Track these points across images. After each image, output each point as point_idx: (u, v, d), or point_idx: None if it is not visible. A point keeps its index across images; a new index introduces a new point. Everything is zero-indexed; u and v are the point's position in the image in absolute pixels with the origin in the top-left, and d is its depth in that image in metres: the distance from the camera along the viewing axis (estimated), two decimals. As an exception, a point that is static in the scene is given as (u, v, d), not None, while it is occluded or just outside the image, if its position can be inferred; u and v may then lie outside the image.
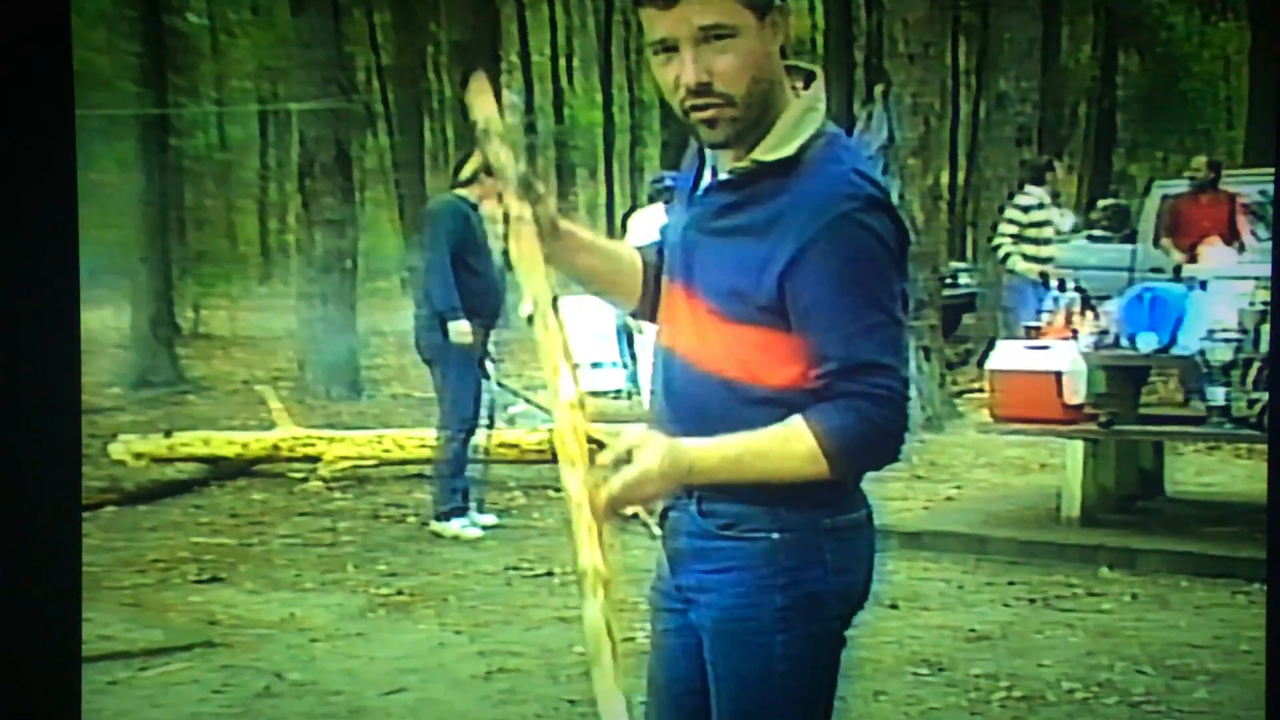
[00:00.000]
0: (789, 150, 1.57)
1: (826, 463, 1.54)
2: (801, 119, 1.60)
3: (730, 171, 1.60)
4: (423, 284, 5.72)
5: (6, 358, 1.51)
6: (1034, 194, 8.81)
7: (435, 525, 5.68)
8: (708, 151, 1.66)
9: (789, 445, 1.54)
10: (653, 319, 1.75)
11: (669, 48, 1.54)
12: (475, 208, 5.59)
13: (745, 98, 1.55)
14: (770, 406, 1.57)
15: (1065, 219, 9.25)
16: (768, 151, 1.58)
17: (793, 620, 1.59)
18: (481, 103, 1.69)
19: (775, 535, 1.59)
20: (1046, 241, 8.68)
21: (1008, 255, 8.82)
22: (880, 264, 1.56)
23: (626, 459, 1.52)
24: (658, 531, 1.72)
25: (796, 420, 1.55)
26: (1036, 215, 8.67)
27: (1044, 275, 8.11)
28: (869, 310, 1.55)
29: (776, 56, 1.59)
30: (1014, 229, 8.68)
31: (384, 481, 6.82)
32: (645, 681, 1.77)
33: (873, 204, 1.57)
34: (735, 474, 1.55)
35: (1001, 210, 9.36)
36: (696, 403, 1.62)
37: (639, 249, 1.80)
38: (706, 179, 1.66)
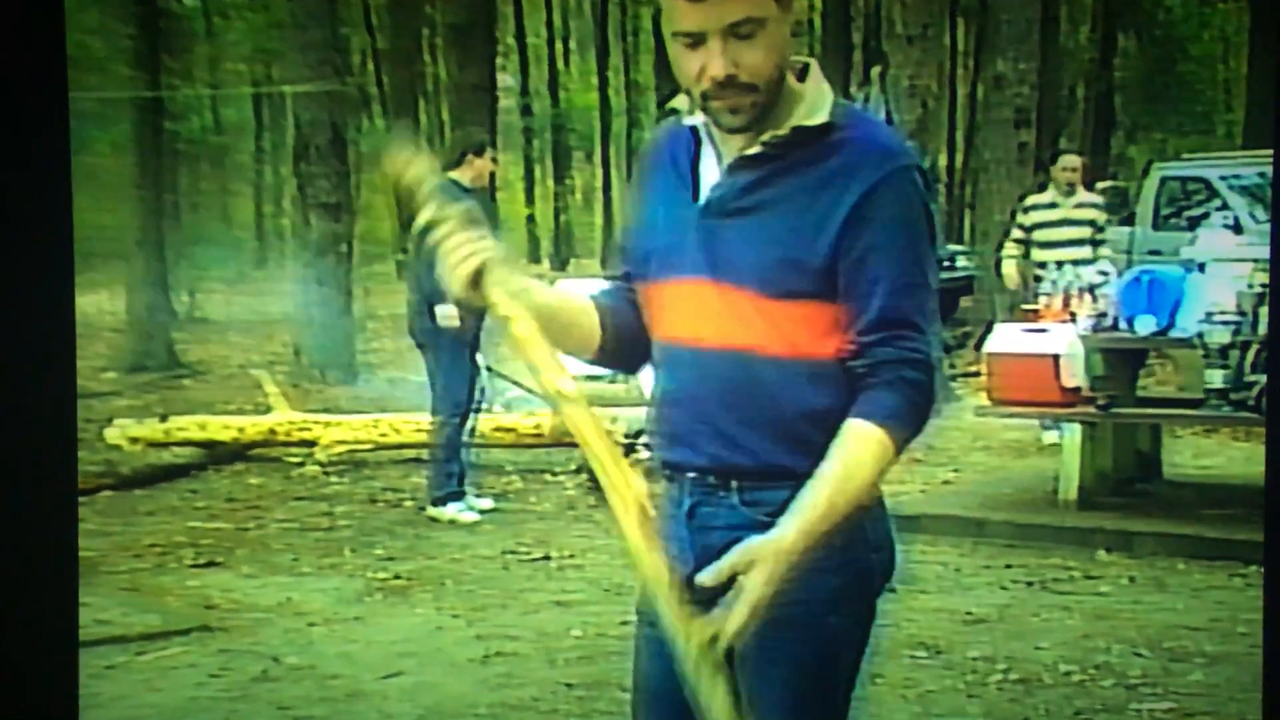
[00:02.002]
0: (824, 115, 1.58)
1: (894, 449, 1.55)
2: (822, 86, 1.61)
3: (763, 144, 1.58)
4: (413, 268, 5.71)
5: (1, 343, 1.50)
6: (1038, 198, 7.50)
7: (431, 510, 5.68)
8: (708, 135, 1.63)
9: (862, 455, 1.54)
10: (615, 361, 1.73)
11: (695, 38, 1.53)
12: (467, 190, 5.57)
13: (768, 85, 1.55)
14: (825, 380, 1.57)
15: (1090, 208, 7.28)
16: (806, 118, 1.58)
17: (844, 600, 1.61)
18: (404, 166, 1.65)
19: None
20: (1061, 244, 7.07)
21: (998, 261, 7.94)
22: (923, 224, 1.59)
23: (736, 587, 1.50)
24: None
25: (854, 427, 1.54)
26: (1036, 216, 7.27)
27: (1037, 278, 6.87)
28: (913, 268, 1.57)
29: (789, 36, 1.59)
30: (1020, 233, 7.35)
31: (380, 466, 6.81)
32: (637, 688, 1.75)
33: (916, 164, 1.61)
34: (834, 517, 1.54)
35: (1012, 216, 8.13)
36: (745, 390, 1.59)
37: (592, 297, 1.75)
38: (710, 163, 1.63)
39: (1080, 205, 7.22)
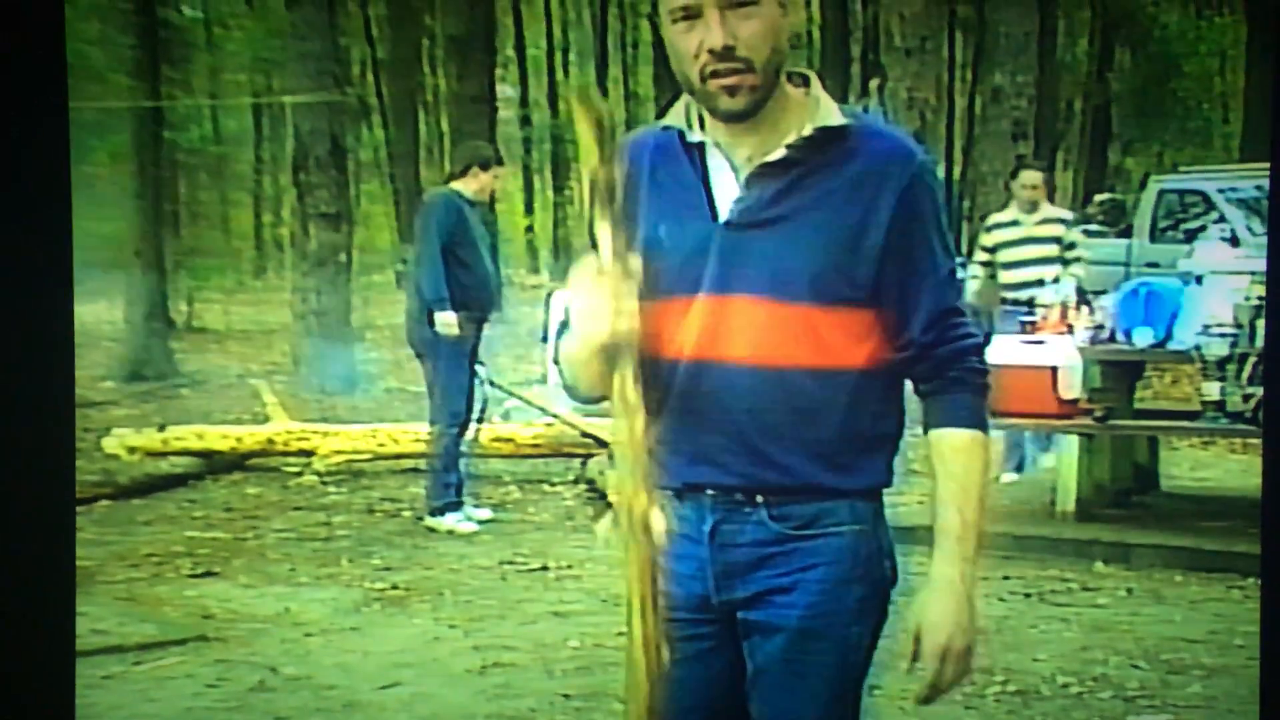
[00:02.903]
0: (842, 118, 1.59)
1: (987, 440, 1.64)
2: (825, 94, 1.62)
3: (787, 147, 1.57)
4: (413, 277, 5.73)
5: (0, 352, 1.51)
6: (1000, 216, 6.78)
7: (429, 520, 5.67)
8: (716, 147, 1.61)
9: (970, 463, 1.62)
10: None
11: (691, 14, 1.53)
12: (470, 202, 5.58)
13: (764, 65, 1.54)
14: (857, 392, 1.59)
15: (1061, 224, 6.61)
16: (824, 119, 1.58)
17: (867, 609, 1.63)
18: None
19: (857, 527, 1.62)
20: (1025, 264, 6.45)
21: (962, 282, 7.71)
22: (945, 214, 1.64)
23: (917, 645, 1.59)
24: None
25: (949, 439, 1.61)
26: (999, 236, 6.58)
27: (1003, 300, 6.44)
28: (947, 259, 1.63)
29: (787, 40, 1.59)
30: (983, 254, 6.68)
31: (379, 475, 6.81)
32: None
33: (931, 159, 1.66)
34: (975, 531, 1.67)
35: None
36: (777, 405, 1.58)
37: None
38: (723, 178, 1.60)
39: (1045, 221, 6.56)
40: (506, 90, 24.15)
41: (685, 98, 1.62)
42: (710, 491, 1.62)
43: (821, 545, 1.61)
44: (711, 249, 1.59)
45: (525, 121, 26.67)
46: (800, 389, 1.58)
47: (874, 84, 8.78)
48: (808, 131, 1.57)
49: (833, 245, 1.56)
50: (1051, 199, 7.19)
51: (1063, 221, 6.68)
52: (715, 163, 1.61)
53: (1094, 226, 12.08)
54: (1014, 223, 6.62)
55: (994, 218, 6.87)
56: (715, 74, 1.54)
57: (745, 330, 1.58)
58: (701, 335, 1.60)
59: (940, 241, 1.61)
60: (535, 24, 27.83)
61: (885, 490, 1.68)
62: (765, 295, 1.57)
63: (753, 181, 1.59)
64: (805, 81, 1.63)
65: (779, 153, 1.57)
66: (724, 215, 1.60)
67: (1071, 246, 6.55)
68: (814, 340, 1.57)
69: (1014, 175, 6.84)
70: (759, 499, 1.60)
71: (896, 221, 1.56)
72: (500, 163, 5.84)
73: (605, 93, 28.01)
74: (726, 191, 1.61)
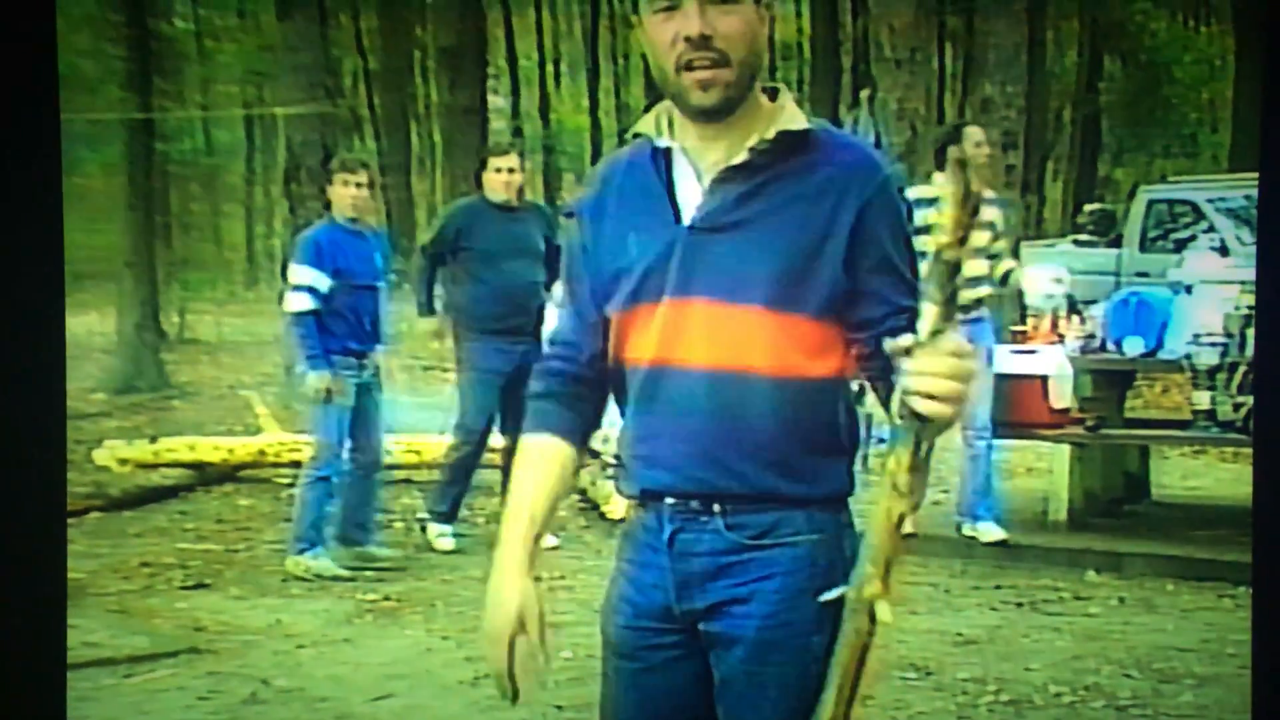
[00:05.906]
0: (804, 122, 1.59)
1: None
2: (793, 104, 1.62)
3: (750, 149, 1.57)
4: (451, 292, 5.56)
5: (-9, 363, 1.50)
6: (922, 191, 4.62)
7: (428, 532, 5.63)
8: (682, 152, 1.61)
9: None
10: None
11: (672, 5, 1.54)
12: (500, 208, 5.34)
13: (740, 63, 1.55)
14: (814, 401, 1.58)
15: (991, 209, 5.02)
16: (787, 123, 1.58)
17: (827, 619, 1.60)
18: None
19: (815, 537, 1.60)
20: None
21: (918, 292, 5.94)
22: (908, 225, 1.63)
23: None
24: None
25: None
26: (921, 217, 4.10)
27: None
28: (908, 272, 1.60)
29: (764, 35, 1.59)
30: None
31: (371, 487, 6.79)
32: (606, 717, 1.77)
33: (895, 171, 1.65)
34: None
35: None
36: (734, 411, 1.58)
37: (552, 432, 1.71)
38: (688, 183, 1.61)
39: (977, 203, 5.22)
40: (498, 101, 24.18)
41: (658, 106, 1.63)
42: (669, 500, 1.62)
43: (779, 555, 1.59)
44: (674, 253, 1.60)
45: (517, 133, 26.68)
46: (757, 395, 1.57)
47: (864, 95, 8.81)
48: (770, 135, 1.57)
49: (793, 251, 1.56)
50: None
51: (997, 204, 5.33)
52: (681, 169, 1.62)
53: (1084, 236, 12.15)
54: (937, 201, 5.09)
55: (915, 192, 4.57)
56: (690, 65, 1.54)
57: (704, 334, 1.58)
58: (662, 339, 1.61)
59: (910, 255, 1.60)
60: (527, 36, 27.86)
61: (851, 499, 1.66)
62: (723, 299, 1.57)
63: (716, 186, 1.59)
64: (776, 94, 1.63)
65: (742, 156, 1.57)
66: (687, 219, 1.60)
67: (1001, 236, 5.28)
68: (771, 346, 1.56)
69: (952, 138, 5.20)
70: (715, 507, 1.60)
71: (858, 233, 1.56)
72: (485, 164, 5.58)
73: (596, 104, 27.92)
74: (690, 196, 1.61)
